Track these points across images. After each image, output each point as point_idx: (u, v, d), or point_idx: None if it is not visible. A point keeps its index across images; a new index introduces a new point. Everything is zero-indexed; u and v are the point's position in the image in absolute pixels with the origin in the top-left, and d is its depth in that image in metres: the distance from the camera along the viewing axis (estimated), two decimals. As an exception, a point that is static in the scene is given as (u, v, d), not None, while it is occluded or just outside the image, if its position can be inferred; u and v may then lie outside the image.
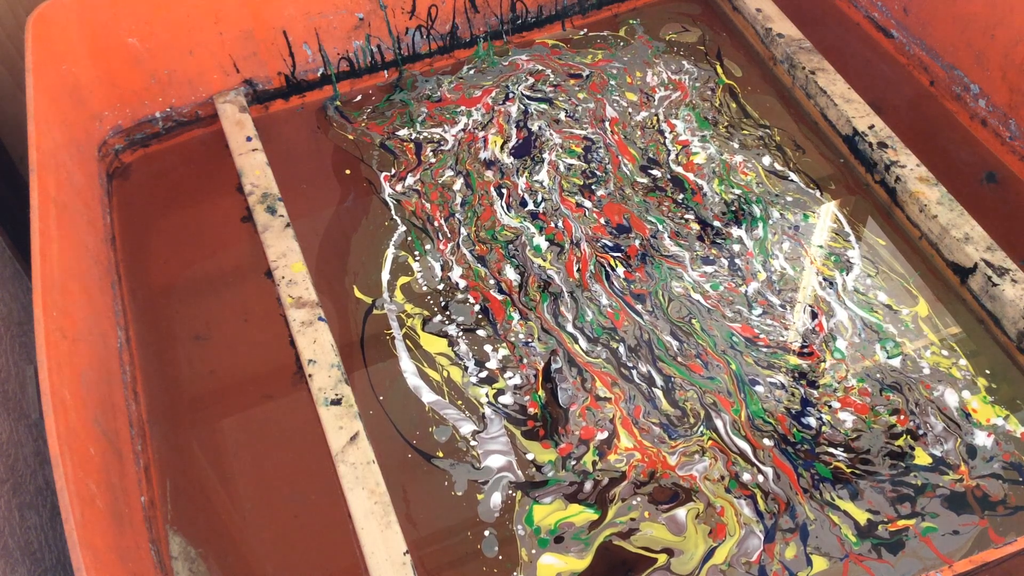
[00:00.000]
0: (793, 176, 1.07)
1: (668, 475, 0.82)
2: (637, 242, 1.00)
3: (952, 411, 0.85)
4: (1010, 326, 0.89)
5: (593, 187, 1.06)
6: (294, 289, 0.93)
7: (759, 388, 0.88)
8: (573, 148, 1.11)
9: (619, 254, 0.99)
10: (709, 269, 0.97)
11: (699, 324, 0.93)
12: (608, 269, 0.98)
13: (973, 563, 0.70)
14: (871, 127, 1.05)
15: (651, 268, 0.98)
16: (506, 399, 0.88)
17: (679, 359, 0.90)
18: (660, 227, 1.02)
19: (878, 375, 0.88)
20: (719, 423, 0.85)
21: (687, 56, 1.22)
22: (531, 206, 1.04)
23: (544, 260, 0.99)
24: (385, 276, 0.99)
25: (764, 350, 0.90)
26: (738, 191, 1.05)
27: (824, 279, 0.96)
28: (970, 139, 1.10)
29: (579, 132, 1.12)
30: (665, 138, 1.11)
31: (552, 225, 1.02)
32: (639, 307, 0.94)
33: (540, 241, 1.01)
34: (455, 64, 1.23)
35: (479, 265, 0.99)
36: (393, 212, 1.05)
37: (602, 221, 1.03)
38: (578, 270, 0.98)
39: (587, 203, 1.05)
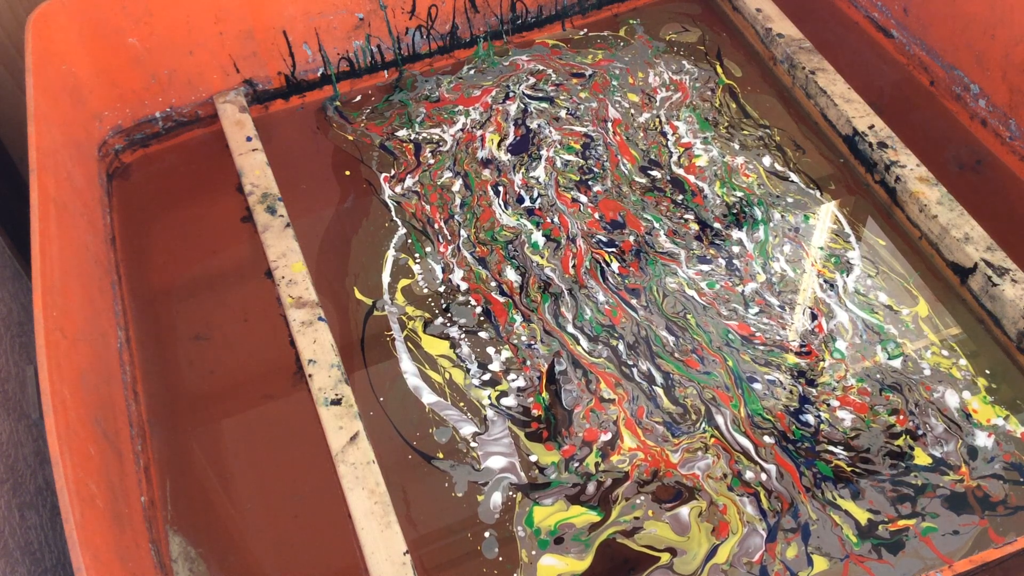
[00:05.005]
0: (793, 176, 1.07)
1: (671, 474, 0.82)
2: (632, 238, 1.00)
3: (952, 412, 0.85)
4: (1010, 326, 0.89)
5: (590, 183, 1.06)
6: (294, 289, 0.93)
7: (756, 385, 0.88)
8: (571, 144, 1.11)
9: (613, 249, 0.99)
10: (705, 268, 0.97)
11: (694, 320, 0.93)
12: (603, 265, 0.98)
13: (973, 563, 0.70)
14: (871, 127, 1.05)
15: (644, 264, 0.98)
16: (509, 401, 0.88)
17: (676, 355, 0.90)
18: (656, 225, 1.02)
19: (878, 375, 0.88)
20: (720, 419, 0.85)
21: (687, 56, 1.22)
22: (527, 202, 1.05)
23: (542, 257, 0.99)
24: (386, 278, 0.99)
25: (761, 348, 0.91)
26: (740, 194, 1.05)
27: (824, 281, 0.96)
28: (970, 139, 1.10)
29: (579, 129, 1.12)
30: (667, 140, 1.11)
31: (548, 220, 1.02)
32: (634, 302, 0.94)
33: (538, 237, 1.01)
34: (455, 64, 1.23)
35: (480, 267, 0.99)
36: (393, 214, 1.05)
37: (596, 216, 1.03)
38: (574, 266, 0.98)
39: (583, 198, 1.05)
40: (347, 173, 1.10)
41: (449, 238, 1.02)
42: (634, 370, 0.89)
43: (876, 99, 1.12)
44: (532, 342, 0.92)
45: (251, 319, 0.97)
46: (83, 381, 0.79)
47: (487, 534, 0.79)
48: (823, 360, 0.90)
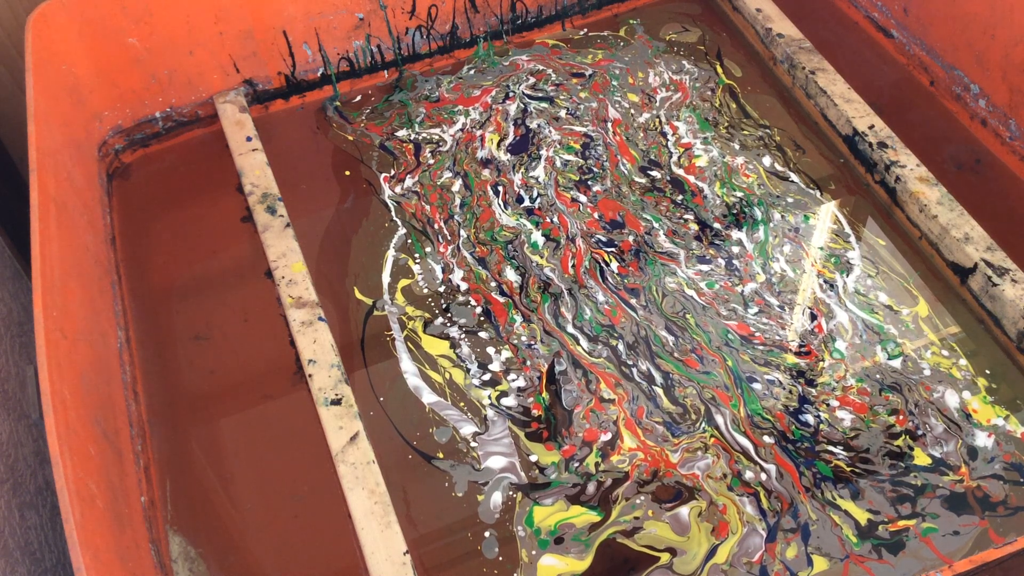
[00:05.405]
0: (793, 176, 1.07)
1: (671, 474, 0.82)
2: (631, 238, 1.00)
3: (952, 412, 0.85)
4: (1010, 326, 0.89)
5: (589, 183, 1.06)
6: (294, 289, 0.93)
7: (756, 385, 0.88)
8: (571, 144, 1.11)
9: (612, 249, 0.99)
10: (705, 268, 0.97)
11: (693, 320, 0.93)
12: (603, 264, 0.98)
13: (973, 563, 0.70)
14: (871, 127, 1.05)
15: (644, 264, 0.98)
16: (509, 401, 0.88)
17: (675, 355, 0.90)
18: (655, 225, 1.02)
19: (878, 375, 0.88)
20: (719, 419, 0.85)
21: (687, 56, 1.22)
22: (527, 202, 1.05)
23: (541, 257, 0.99)
24: (386, 278, 0.99)
25: (760, 348, 0.91)
26: (740, 194, 1.05)
27: (824, 281, 0.96)
28: (970, 139, 1.10)
29: (579, 129, 1.12)
30: (667, 140, 1.11)
31: (548, 220, 1.03)
32: (633, 302, 0.95)
33: (537, 237, 1.01)
34: (455, 64, 1.23)
35: (480, 267, 0.99)
36: (393, 214, 1.05)
37: (596, 216, 1.03)
38: (573, 266, 0.98)
39: (582, 198, 1.05)
40: (347, 173, 1.10)
41: (449, 238, 1.02)
42: (634, 370, 0.89)
43: (876, 99, 1.12)
44: (532, 342, 0.92)
45: (251, 319, 0.97)
46: (83, 381, 0.79)
47: (487, 534, 0.79)
48: (823, 360, 0.90)
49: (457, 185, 1.07)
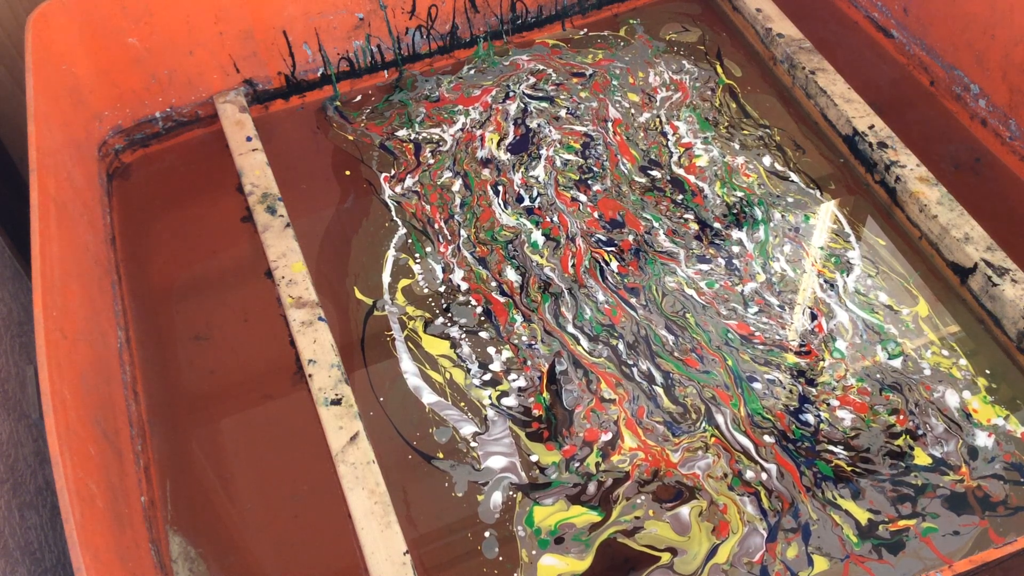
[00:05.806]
0: (793, 176, 1.07)
1: (671, 473, 0.82)
2: (631, 237, 1.00)
3: (953, 412, 0.85)
4: (1010, 326, 0.89)
5: (589, 182, 1.06)
6: (294, 289, 0.93)
7: (756, 384, 0.88)
8: (571, 144, 1.11)
9: (612, 248, 0.99)
10: (705, 267, 0.97)
11: (693, 319, 0.93)
12: (602, 264, 0.98)
13: (973, 563, 0.70)
14: (871, 127, 1.05)
15: (644, 263, 0.98)
16: (510, 401, 0.88)
17: (675, 354, 0.90)
18: (656, 224, 1.02)
19: (878, 375, 0.88)
20: (720, 419, 0.85)
21: (687, 56, 1.22)
22: (527, 201, 1.05)
23: (541, 257, 0.99)
24: (386, 278, 0.99)
25: (760, 347, 0.91)
26: (740, 193, 1.05)
27: (824, 281, 0.96)
28: (970, 139, 1.10)
29: (579, 129, 1.12)
30: (668, 140, 1.11)
31: (548, 220, 1.03)
32: (633, 301, 0.95)
33: (537, 236, 1.01)
34: (455, 64, 1.23)
35: (480, 267, 0.99)
36: (393, 214, 1.05)
37: (596, 215, 1.03)
38: (573, 265, 0.98)
39: (582, 197, 1.05)
40: (347, 173, 1.10)
41: (449, 238, 1.02)
42: (634, 370, 0.89)
43: (876, 99, 1.12)
44: (532, 342, 0.92)
45: (251, 319, 0.97)
46: (83, 381, 0.79)
47: (487, 534, 0.79)
48: (823, 360, 0.90)
49: (457, 185, 1.07)
